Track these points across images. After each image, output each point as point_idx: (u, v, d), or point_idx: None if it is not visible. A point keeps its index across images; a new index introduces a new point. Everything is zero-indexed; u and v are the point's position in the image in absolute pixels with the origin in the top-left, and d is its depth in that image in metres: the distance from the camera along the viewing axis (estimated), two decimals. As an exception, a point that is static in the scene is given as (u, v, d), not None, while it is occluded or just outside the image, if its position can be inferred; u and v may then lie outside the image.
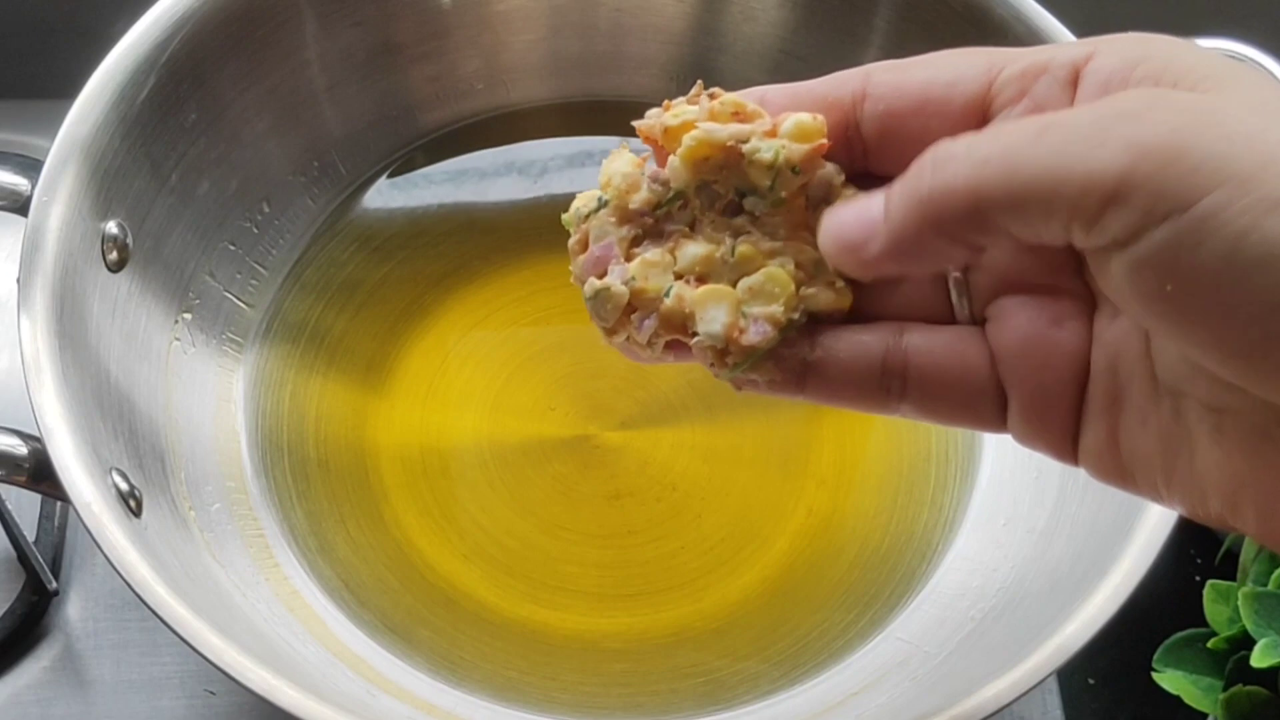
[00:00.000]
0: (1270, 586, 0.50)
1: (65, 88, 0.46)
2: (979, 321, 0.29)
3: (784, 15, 0.54)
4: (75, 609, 0.53)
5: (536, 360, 0.53)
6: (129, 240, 0.47)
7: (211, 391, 0.51)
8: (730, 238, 0.31)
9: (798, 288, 0.31)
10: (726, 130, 0.30)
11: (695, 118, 0.31)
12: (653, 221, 0.32)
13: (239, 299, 0.52)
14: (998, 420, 0.28)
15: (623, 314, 0.32)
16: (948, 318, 0.29)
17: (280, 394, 0.52)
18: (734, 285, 0.31)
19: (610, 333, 0.32)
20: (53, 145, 0.45)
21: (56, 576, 0.53)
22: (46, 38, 0.66)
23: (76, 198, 0.45)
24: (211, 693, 0.51)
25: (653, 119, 0.32)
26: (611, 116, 0.57)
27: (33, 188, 0.45)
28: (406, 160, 0.56)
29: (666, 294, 0.31)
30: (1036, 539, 0.47)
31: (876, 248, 0.27)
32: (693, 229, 0.32)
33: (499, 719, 0.46)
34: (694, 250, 0.31)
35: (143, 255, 0.48)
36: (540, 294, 0.54)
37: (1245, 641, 0.49)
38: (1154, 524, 0.40)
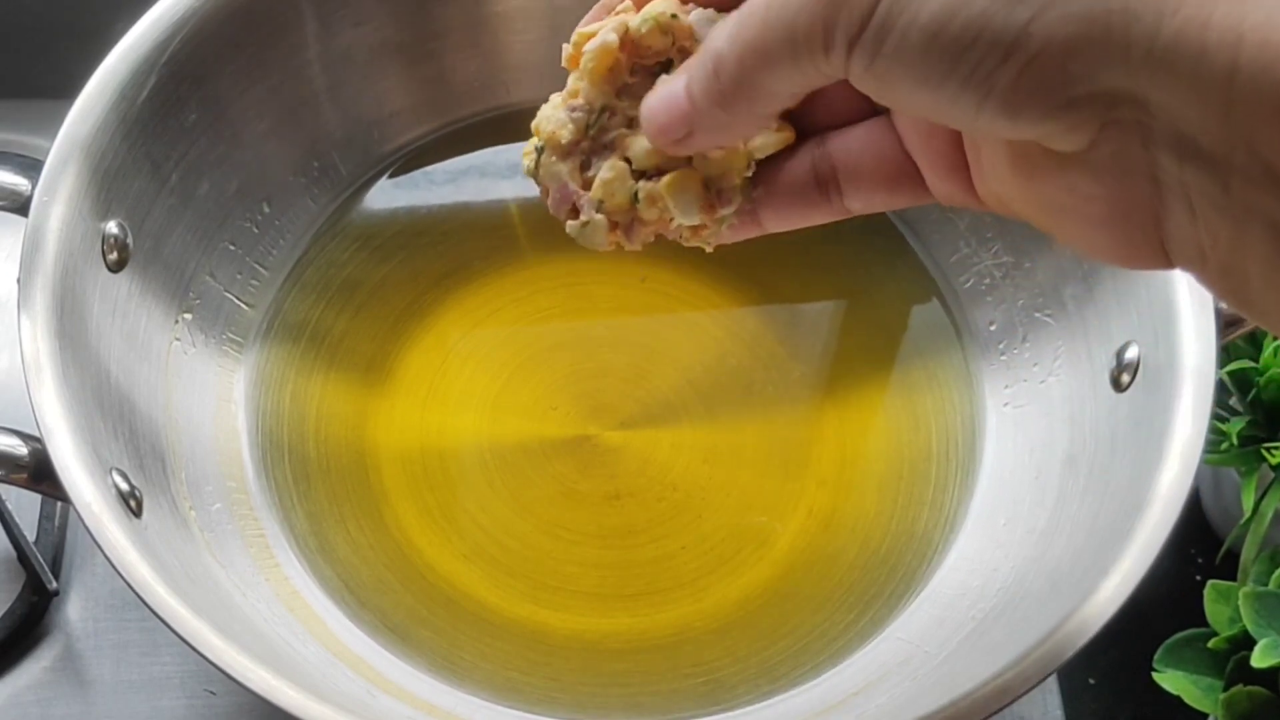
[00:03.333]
0: (1271, 586, 0.50)
1: (65, 88, 0.46)
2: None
3: (784, 15, 0.54)
4: (75, 609, 0.53)
5: (536, 360, 0.53)
6: (129, 240, 0.47)
7: (212, 392, 0.51)
8: None
9: (745, 143, 0.33)
10: (609, 32, 0.33)
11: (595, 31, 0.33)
12: (590, 142, 0.34)
13: (239, 299, 0.52)
14: (924, 189, 0.33)
15: (609, 232, 0.34)
16: (869, 112, 0.33)
17: (280, 394, 0.52)
18: (690, 161, 0.33)
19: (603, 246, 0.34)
20: (53, 145, 0.45)
21: (57, 576, 0.53)
22: (46, 38, 0.66)
23: (76, 198, 0.45)
24: (212, 693, 0.51)
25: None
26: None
27: (33, 188, 0.45)
28: (407, 160, 0.56)
29: (636, 200, 0.33)
30: (1036, 539, 0.47)
31: (688, 134, 0.31)
32: (633, 126, 0.33)
33: (499, 719, 0.46)
34: (641, 145, 0.33)
35: (143, 255, 0.48)
36: (540, 294, 0.54)
37: (1246, 641, 0.50)
38: (1154, 524, 0.40)
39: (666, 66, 0.33)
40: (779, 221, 0.35)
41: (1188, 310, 0.44)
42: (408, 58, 0.54)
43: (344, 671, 0.46)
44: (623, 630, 0.48)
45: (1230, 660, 0.50)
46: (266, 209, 0.53)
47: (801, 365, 0.53)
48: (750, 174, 0.33)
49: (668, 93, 0.31)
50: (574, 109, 0.34)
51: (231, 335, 0.52)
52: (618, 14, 0.33)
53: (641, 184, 0.33)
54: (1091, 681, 0.60)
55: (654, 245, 0.57)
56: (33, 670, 0.52)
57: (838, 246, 0.56)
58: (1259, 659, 0.48)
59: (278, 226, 0.54)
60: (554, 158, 0.34)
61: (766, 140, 0.33)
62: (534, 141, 0.35)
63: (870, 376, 0.53)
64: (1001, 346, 0.52)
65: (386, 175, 0.56)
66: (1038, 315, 0.51)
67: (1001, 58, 0.26)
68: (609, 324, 0.54)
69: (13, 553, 0.53)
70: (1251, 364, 0.55)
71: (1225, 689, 0.50)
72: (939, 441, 0.52)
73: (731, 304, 0.54)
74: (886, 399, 0.53)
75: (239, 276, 0.52)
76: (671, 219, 0.34)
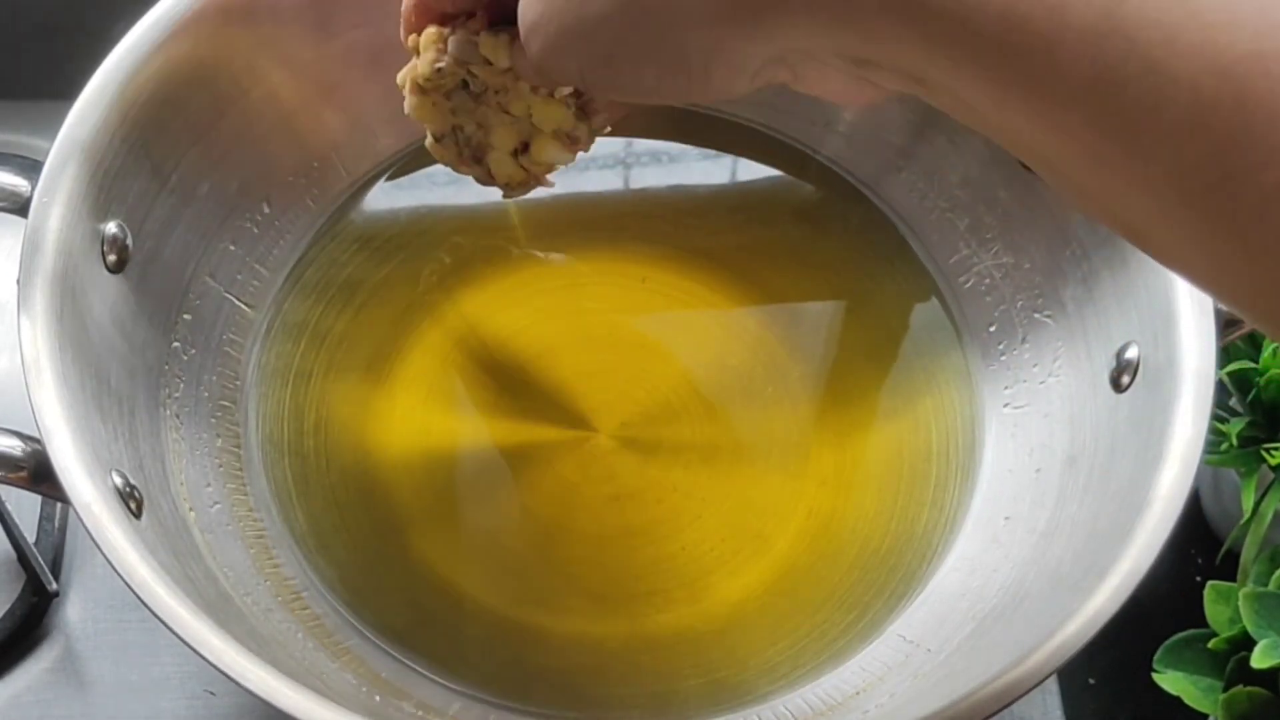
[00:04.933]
0: (1271, 587, 0.50)
1: (65, 88, 0.46)
2: None
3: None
4: (75, 610, 0.53)
5: (537, 361, 0.53)
6: (129, 241, 0.47)
7: (211, 393, 0.51)
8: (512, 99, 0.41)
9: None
10: (408, 97, 0.41)
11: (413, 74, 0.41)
12: (471, 151, 0.43)
13: (239, 300, 0.52)
14: None
15: (529, 180, 0.43)
16: None
17: (280, 395, 0.52)
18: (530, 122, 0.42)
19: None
20: (53, 146, 0.45)
21: (57, 577, 0.53)
22: (46, 38, 0.66)
23: (76, 198, 0.45)
24: (211, 693, 0.51)
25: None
26: (611, 117, 0.57)
27: (33, 188, 0.45)
28: (407, 161, 0.56)
29: (524, 168, 0.43)
30: (1037, 539, 0.47)
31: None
32: (483, 127, 0.42)
33: (499, 719, 0.46)
34: (503, 140, 0.42)
35: (143, 256, 0.48)
36: (540, 294, 0.54)
37: (1246, 642, 0.50)
38: (1154, 524, 0.40)
39: (466, 84, 0.41)
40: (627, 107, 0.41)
41: (1188, 311, 0.44)
42: (408, 58, 0.54)
43: (344, 671, 0.46)
44: (623, 631, 0.48)
45: (1230, 661, 0.50)
46: (266, 209, 0.53)
47: (801, 365, 0.53)
48: (573, 109, 0.40)
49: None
50: (439, 137, 0.43)
51: (231, 336, 0.52)
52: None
53: (521, 159, 0.42)
54: (1091, 682, 0.60)
55: (655, 247, 0.57)
56: (33, 671, 0.52)
57: (837, 247, 0.56)
58: (1259, 659, 0.48)
59: (278, 227, 0.54)
60: (450, 161, 0.43)
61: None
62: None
63: (870, 377, 0.53)
64: (1001, 347, 0.52)
65: (386, 176, 0.56)
66: (1037, 316, 0.51)
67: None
68: (609, 324, 0.54)
69: (13, 554, 0.53)
70: (1251, 365, 0.55)
71: (1225, 689, 0.50)
72: (939, 442, 0.52)
73: (731, 304, 0.54)
74: (886, 399, 0.53)
75: (239, 277, 0.52)
76: (558, 164, 0.43)
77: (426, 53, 0.41)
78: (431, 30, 0.41)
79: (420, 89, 0.41)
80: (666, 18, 0.31)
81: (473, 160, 0.43)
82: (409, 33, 0.42)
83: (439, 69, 0.41)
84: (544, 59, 0.35)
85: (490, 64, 0.40)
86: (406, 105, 0.42)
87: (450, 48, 0.41)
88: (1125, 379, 0.46)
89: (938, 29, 0.27)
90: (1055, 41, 0.26)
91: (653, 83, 0.33)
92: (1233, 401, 0.57)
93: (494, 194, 0.57)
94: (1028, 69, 0.27)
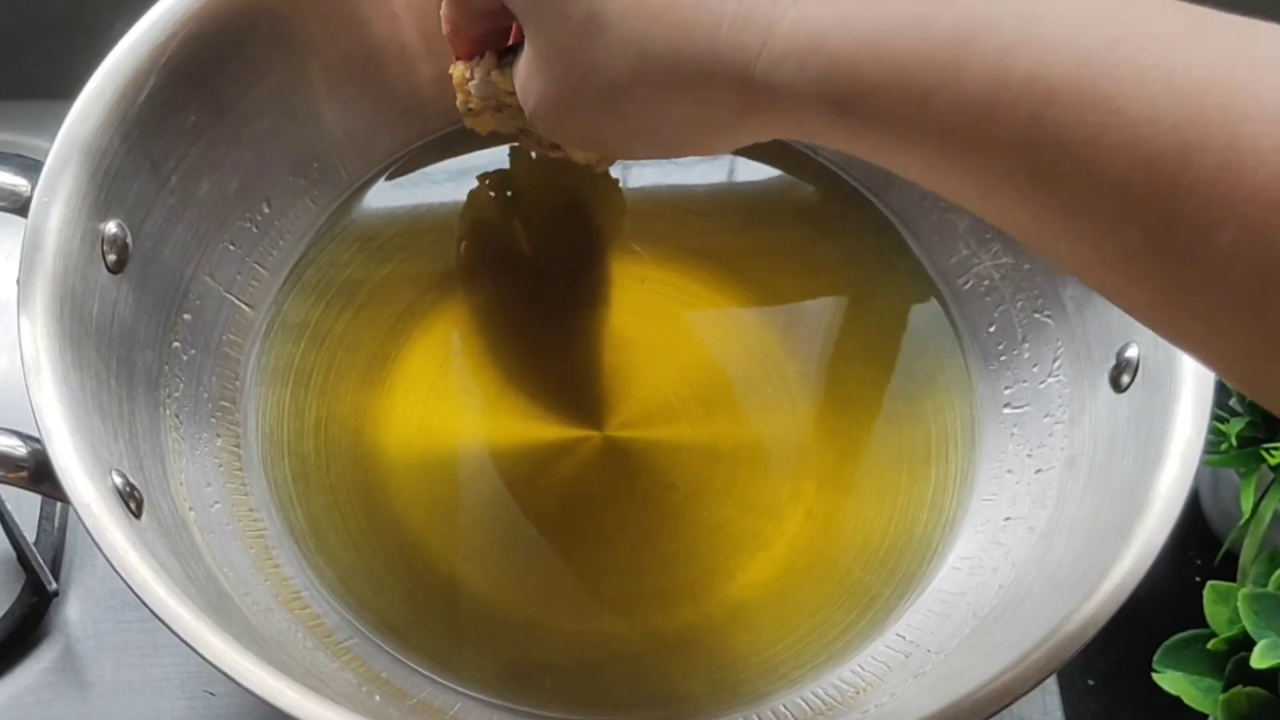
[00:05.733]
0: (1270, 588, 0.50)
1: (65, 88, 0.46)
2: None
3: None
4: (75, 610, 0.53)
5: (536, 360, 0.53)
6: (129, 241, 0.47)
7: (211, 392, 0.51)
8: None
9: None
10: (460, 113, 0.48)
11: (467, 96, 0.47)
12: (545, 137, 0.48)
13: (239, 300, 0.52)
14: None
15: (606, 158, 0.50)
16: None
17: (280, 394, 0.52)
18: None
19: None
20: (53, 146, 0.45)
21: (56, 577, 0.53)
22: (46, 38, 0.66)
23: (76, 198, 0.45)
24: (211, 694, 0.51)
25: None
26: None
27: (33, 188, 0.45)
28: (407, 161, 0.56)
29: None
30: (1037, 539, 0.47)
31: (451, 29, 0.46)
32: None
33: (499, 719, 0.46)
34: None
35: (142, 256, 0.48)
36: (540, 294, 0.54)
37: (1245, 642, 0.50)
38: (1154, 524, 0.40)
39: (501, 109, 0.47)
40: None
41: (1187, 311, 0.44)
42: (408, 58, 0.54)
43: (344, 671, 0.46)
44: (623, 631, 0.48)
45: (1229, 661, 0.50)
46: (266, 209, 0.53)
47: (801, 365, 0.53)
48: None
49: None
50: (513, 136, 0.51)
51: (231, 336, 0.52)
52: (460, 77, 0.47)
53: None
54: (1091, 682, 0.60)
55: (654, 247, 0.57)
56: (32, 671, 0.52)
57: (837, 248, 0.56)
58: (1258, 660, 0.48)
59: (278, 227, 0.54)
60: (549, 154, 0.51)
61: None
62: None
63: (870, 377, 0.53)
64: (1001, 347, 0.52)
65: (386, 176, 0.56)
66: (1037, 316, 0.51)
67: None
68: (609, 324, 0.54)
69: (13, 553, 0.53)
70: (1251, 364, 0.55)
71: (1224, 690, 0.50)
72: (938, 442, 0.52)
73: (731, 304, 0.54)
74: (886, 399, 0.53)
75: (239, 277, 0.52)
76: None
77: (459, 93, 0.47)
78: (457, 70, 0.46)
79: (469, 112, 0.48)
80: (646, 120, 0.36)
81: (551, 148, 0.50)
82: (453, 58, 0.47)
83: (470, 108, 0.47)
84: (549, 134, 0.40)
85: (513, 92, 0.43)
86: (466, 121, 0.49)
87: (473, 89, 0.46)
88: (1125, 379, 0.46)
89: (880, 142, 0.30)
90: (987, 148, 0.28)
91: (644, 154, 0.40)
92: (1233, 401, 0.57)
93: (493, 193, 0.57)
94: (969, 169, 0.29)
